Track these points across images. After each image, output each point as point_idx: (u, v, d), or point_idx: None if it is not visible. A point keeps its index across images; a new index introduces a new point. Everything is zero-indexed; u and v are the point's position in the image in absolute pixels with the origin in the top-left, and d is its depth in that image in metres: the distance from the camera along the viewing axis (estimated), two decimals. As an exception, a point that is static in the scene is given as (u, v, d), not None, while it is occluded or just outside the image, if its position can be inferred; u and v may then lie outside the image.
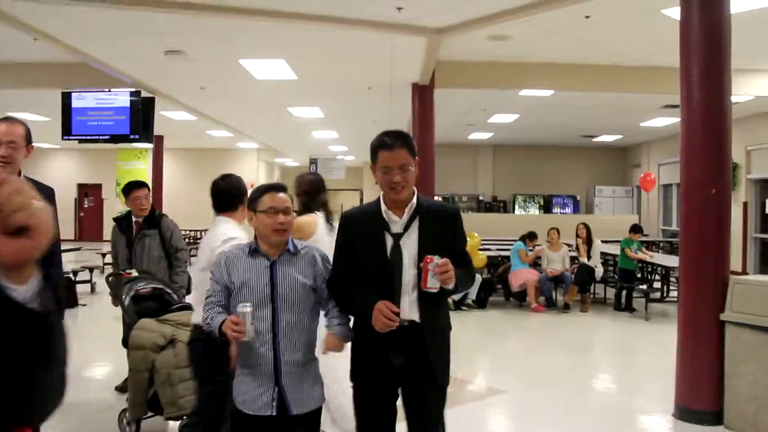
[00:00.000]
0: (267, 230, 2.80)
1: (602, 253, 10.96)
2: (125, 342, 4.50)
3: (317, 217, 4.34)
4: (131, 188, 5.56)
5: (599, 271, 10.58)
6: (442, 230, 2.88)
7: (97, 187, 24.09)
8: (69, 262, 12.28)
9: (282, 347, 2.75)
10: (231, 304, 2.81)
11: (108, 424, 4.73)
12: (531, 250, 10.68)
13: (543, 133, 17.98)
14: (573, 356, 7.52)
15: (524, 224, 12.86)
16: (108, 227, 22.62)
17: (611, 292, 10.83)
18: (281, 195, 2.86)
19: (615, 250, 10.89)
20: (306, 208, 4.40)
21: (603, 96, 11.96)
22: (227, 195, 3.76)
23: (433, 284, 2.68)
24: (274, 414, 2.74)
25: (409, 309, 2.78)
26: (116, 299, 5.26)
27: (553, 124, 16.32)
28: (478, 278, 10.37)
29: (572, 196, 21.01)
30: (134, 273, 4.93)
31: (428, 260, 2.67)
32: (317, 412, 2.90)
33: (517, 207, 21.07)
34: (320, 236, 4.17)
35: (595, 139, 19.14)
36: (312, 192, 4.48)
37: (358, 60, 9.17)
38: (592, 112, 14.48)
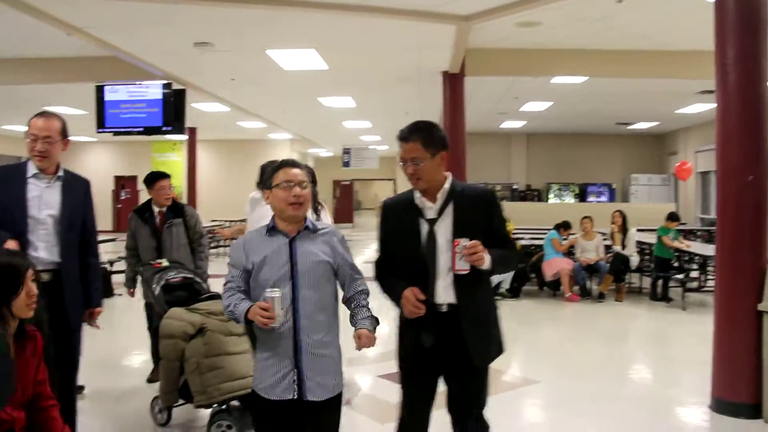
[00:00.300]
0: (282, 204, 2.78)
1: (638, 242, 10.77)
2: (153, 329, 4.54)
3: None
4: (156, 178, 5.60)
5: (634, 260, 10.40)
6: (477, 213, 2.92)
7: (132, 179, 24.46)
8: (105, 252, 12.41)
9: (302, 326, 2.73)
10: (251, 287, 2.79)
11: (143, 412, 4.80)
12: (565, 240, 10.56)
13: (577, 120, 17.74)
14: (608, 346, 7.42)
15: (559, 213, 12.70)
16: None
17: (647, 282, 10.65)
18: (296, 170, 2.84)
19: (651, 238, 10.70)
20: None
21: (637, 82, 11.72)
22: None
23: (462, 266, 2.75)
24: (294, 398, 2.72)
25: (445, 292, 2.86)
26: (149, 289, 5.27)
27: (586, 112, 16.07)
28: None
29: (607, 185, 20.70)
30: (164, 263, 4.97)
31: (456, 243, 2.76)
32: (338, 398, 2.86)
33: (551, 196, 20.84)
34: None
35: (630, 127, 18.81)
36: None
37: (388, 49, 9.12)
38: (626, 99, 14.21)
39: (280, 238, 2.80)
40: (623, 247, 10.35)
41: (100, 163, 24.17)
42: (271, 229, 2.83)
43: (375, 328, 2.80)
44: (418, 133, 2.89)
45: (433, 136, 2.90)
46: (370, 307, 2.87)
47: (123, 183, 24.79)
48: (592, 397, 5.47)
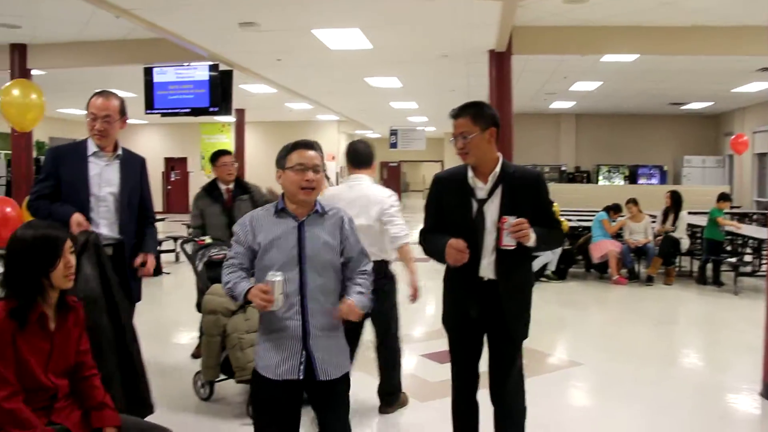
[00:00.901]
0: (294, 188, 2.75)
1: (689, 225, 10.50)
2: (199, 306, 4.60)
3: None
4: (219, 155, 5.64)
5: (685, 243, 10.15)
6: (524, 194, 3.06)
7: (182, 161, 24.87)
8: (164, 232, 12.73)
9: (310, 309, 2.72)
10: (256, 269, 2.78)
11: (186, 386, 4.88)
12: (614, 222, 10.35)
13: (628, 100, 17.31)
14: (655, 330, 7.27)
15: (608, 195, 12.48)
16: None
17: (698, 265, 10.40)
18: (310, 152, 2.80)
19: (703, 221, 10.42)
20: None
21: (691, 60, 11.35)
22: (366, 154, 4.59)
23: (508, 242, 2.92)
24: (301, 378, 2.71)
25: (487, 268, 3.06)
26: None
27: (638, 91, 15.66)
28: (558, 249, 10.16)
29: (659, 167, 20.21)
30: (207, 240, 5.03)
31: (503, 220, 2.92)
32: (346, 377, 2.86)
33: (600, 177, 20.46)
34: None
35: (683, 107, 18.27)
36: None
37: (433, 27, 9.00)
38: (679, 78, 13.78)
39: (290, 221, 2.77)
40: (674, 228, 10.11)
41: (150, 145, 24.59)
42: (281, 211, 2.79)
43: (363, 305, 2.78)
44: (468, 110, 3.05)
45: (482, 113, 3.04)
46: (367, 286, 2.86)
47: (173, 165, 25.20)
48: (638, 381, 5.37)
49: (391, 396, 4.63)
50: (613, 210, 10.43)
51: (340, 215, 2.88)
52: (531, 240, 2.93)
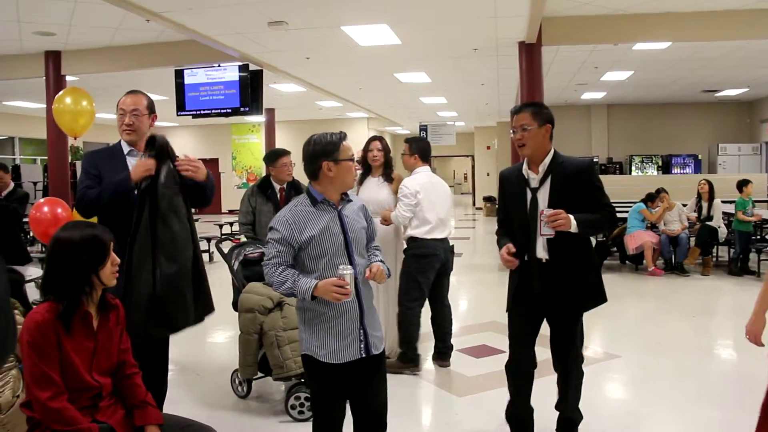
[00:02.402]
0: (350, 177, 2.96)
1: (725, 213, 10.32)
2: (235, 305, 4.64)
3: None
4: (279, 155, 5.49)
5: (723, 232, 9.97)
6: (574, 183, 3.38)
7: (214, 162, 25.09)
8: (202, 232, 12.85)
9: (361, 290, 2.92)
10: (304, 261, 2.88)
11: (225, 384, 4.93)
12: (655, 211, 10.16)
13: (660, 89, 17.04)
14: (692, 321, 7.16)
15: (641, 186, 12.31)
16: (229, 199, 23.74)
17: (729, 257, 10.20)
18: (349, 143, 3.01)
19: (740, 210, 10.23)
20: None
21: (725, 45, 11.14)
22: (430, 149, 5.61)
23: (546, 232, 3.27)
24: (363, 356, 2.91)
25: (542, 250, 3.42)
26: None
27: (670, 80, 15.41)
28: (592, 241, 10.05)
29: (693, 156, 19.87)
30: (243, 239, 5.06)
31: (541, 212, 3.28)
32: (383, 350, 3.09)
33: (633, 168, 20.19)
34: None
35: (717, 94, 17.93)
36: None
37: (462, 20, 8.96)
38: (713, 64, 13.51)
39: (329, 209, 2.93)
40: (709, 217, 9.94)
41: (181, 147, 24.68)
42: (320, 202, 2.92)
43: (386, 272, 2.97)
44: (528, 107, 3.46)
45: (541, 111, 3.44)
46: (382, 259, 3.10)
47: (204, 165, 25.42)
48: (675, 373, 5.31)
49: (450, 350, 5.54)
50: (650, 200, 10.25)
51: (357, 200, 3.13)
52: (571, 227, 3.24)
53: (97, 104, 17.83)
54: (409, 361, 5.28)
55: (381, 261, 3.04)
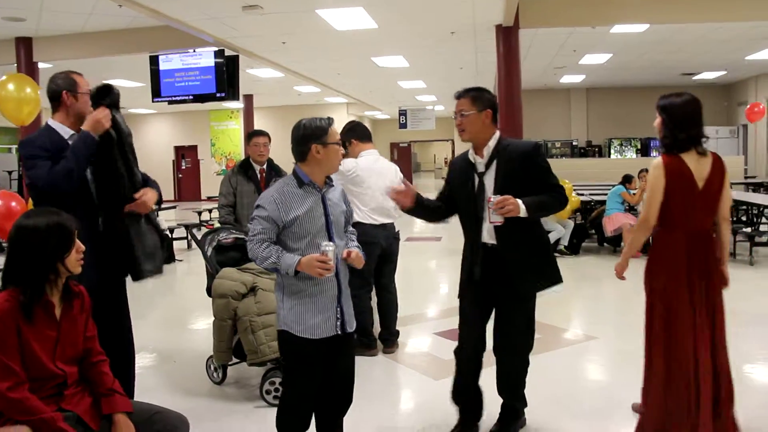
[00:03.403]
0: (336, 160, 3.08)
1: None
2: (209, 291, 4.59)
3: None
4: (253, 135, 5.56)
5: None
6: (519, 165, 3.35)
7: (192, 149, 24.89)
8: (167, 220, 12.75)
9: (340, 270, 3.04)
10: (286, 240, 2.99)
11: (201, 370, 4.88)
12: (635, 192, 10.17)
13: (638, 73, 17.11)
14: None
15: (620, 169, 12.32)
16: (208, 186, 23.57)
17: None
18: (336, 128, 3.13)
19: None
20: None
21: (703, 28, 11.19)
22: (369, 130, 5.46)
23: (495, 219, 3.23)
24: (339, 333, 3.04)
25: (488, 235, 3.41)
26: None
27: (649, 63, 15.47)
28: (570, 224, 10.07)
29: (672, 138, 19.97)
30: (216, 224, 5.00)
31: (488, 200, 3.24)
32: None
33: (612, 151, 20.28)
34: None
35: (695, 77, 18.04)
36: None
37: (438, 2, 8.89)
38: (691, 47, 13.58)
39: (314, 192, 3.04)
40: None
41: (159, 134, 24.62)
42: (306, 184, 3.02)
43: (363, 257, 3.11)
44: (469, 92, 3.45)
45: (481, 96, 3.43)
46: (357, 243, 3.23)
47: (183, 152, 25.22)
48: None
49: (394, 337, 5.46)
50: (627, 181, 10.27)
51: (338, 184, 3.21)
52: (520, 212, 3.21)
53: (72, 91, 17.47)
54: (366, 347, 5.28)
55: (357, 246, 3.16)
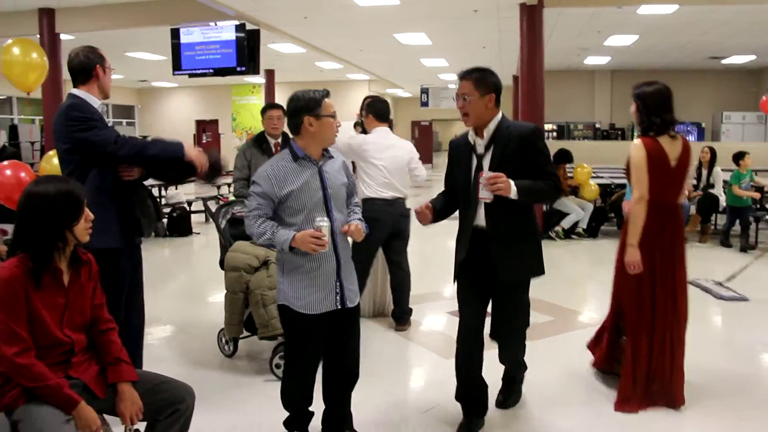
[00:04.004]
0: (331, 132, 3.02)
1: (725, 182, 10.19)
2: (222, 264, 4.59)
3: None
4: (267, 108, 5.51)
5: (723, 200, 9.87)
6: (518, 148, 3.26)
7: (213, 123, 24.94)
8: (186, 193, 12.79)
9: (338, 244, 3.01)
10: (282, 215, 2.98)
11: (212, 342, 4.90)
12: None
13: (665, 55, 16.80)
14: (688, 288, 7.09)
15: (641, 152, 12.17)
16: (228, 160, 23.59)
17: (736, 224, 10.09)
18: (332, 100, 3.05)
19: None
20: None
21: (734, 9, 10.91)
22: (387, 110, 5.42)
23: (484, 195, 3.14)
24: (338, 307, 3.01)
25: (479, 217, 3.34)
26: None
27: (676, 45, 15.18)
28: (590, 207, 9.97)
29: (697, 123, 19.68)
30: (231, 197, 4.99)
31: (480, 174, 3.16)
32: (359, 304, 3.19)
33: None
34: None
35: (724, 61, 17.69)
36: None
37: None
38: (721, 30, 13.27)
39: (310, 165, 3.00)
40: (709, 185, 9.83)
41: (181, 108, 24.71)
42: (301, 158, 2.99)
43: (365, 229, 3.08)
44: (472, 74, 3.31)
45: (485, 79, 3.30)
46: (360, 216, 3.20)
47: (204, 127, 25.29)
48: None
49: (406, 315, 5.46)
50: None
51: (339, 156, 3.17)
52: (510, 193, 3.11)
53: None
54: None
55: (360, 219, 3.13)
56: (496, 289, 3.41)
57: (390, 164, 5.17)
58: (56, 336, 2.43)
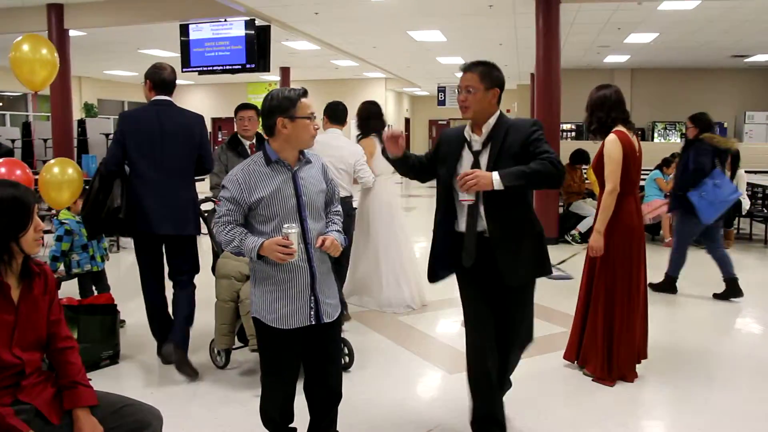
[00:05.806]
0: (307, 135, 2.80)
1: (749, 184, 9.84)
2: (214, 270, 4.38)
3: (375, 140, 5.74)
4: (239, 108, 5.48)
5: (746, 204, 9.52)
6: (519, 143, 3.06)
7: (229, 121, 24.77)
8: (201, 192, 12.61)
9: (313, 255, 2.79)
10: (253, 222, 2.80)
11: (205, 353, 4.68)
12: (670, 178, 9.73)
13: (686, 53, 16.38)
14: (711, 298, 6.79)
15: (662, 153, 11.81)
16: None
17: (758, 228, 9.75)
18: (309, 101, 2.82)
19: (766, 181, 9.76)
20: (363, 132, 5.87)
21: (757, 6, 10.55)
22: (344, 113, 5.60)
23: (464, 197, 2.99)
24: (313, 323, 2.80)
25: (462, 220, 3.18)
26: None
27: (697, 43, 14.77)
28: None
29: (719, 123, 19.16)
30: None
31: (457, 177, 2.99)
32: (339, 318, 2.98)
33: (656, 135, 19.60)
34: (378, 156, 5.33)
35: (747, 60, 17.23)
36: (364, 117, 5.88)
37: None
38: (744, 27, 12.85)
39: (284, 170, 2.80)
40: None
41: (198, 106, 24.56)
42: (274, 162, 2.79)
43: (342, 242, 2.87)
44: (477, 67, 3.16)
45: (491, 73, 3.15)
46: (341, 226, 2.98)
47: (220, 124, 25.23)
48: (688, 350, 4.99)
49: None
50: (666, 165, 9.79)
51: (320, 161, 2.96)
52: (494, 184, 2.90)
53: (111, 61, 17.63)
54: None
55: (338, 231, 2.92)
56: (501, 295, 3.21)
57: (335, 162, 5.20)
58: (3, 358, 2.20)
